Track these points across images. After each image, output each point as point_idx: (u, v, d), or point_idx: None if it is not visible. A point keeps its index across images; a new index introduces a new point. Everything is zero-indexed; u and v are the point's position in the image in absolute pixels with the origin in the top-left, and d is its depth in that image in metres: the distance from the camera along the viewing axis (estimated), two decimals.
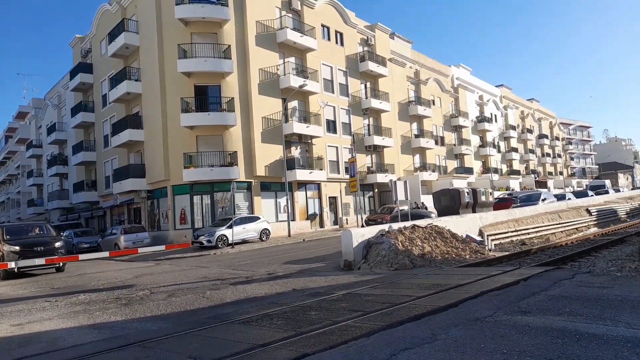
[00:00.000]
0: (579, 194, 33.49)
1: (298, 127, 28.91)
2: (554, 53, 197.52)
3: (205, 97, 26.39)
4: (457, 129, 49.82)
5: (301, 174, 28.53)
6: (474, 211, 19.84)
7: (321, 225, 31.20)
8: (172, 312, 7.74)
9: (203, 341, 5.40)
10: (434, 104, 45.61)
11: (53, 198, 40.75)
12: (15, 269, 13.95)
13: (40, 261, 10.43)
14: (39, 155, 46.76)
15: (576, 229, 20.72)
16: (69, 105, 38.41)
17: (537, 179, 61.21)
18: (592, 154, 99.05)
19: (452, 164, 48.29)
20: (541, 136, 71.95)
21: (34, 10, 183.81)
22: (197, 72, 25.87)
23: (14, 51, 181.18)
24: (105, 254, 10.75)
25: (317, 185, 31.40)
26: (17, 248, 15.44)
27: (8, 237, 16.11)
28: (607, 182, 50.02)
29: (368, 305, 6.59)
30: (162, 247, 11.24)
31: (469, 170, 48.99)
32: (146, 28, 28.04)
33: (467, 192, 20.89)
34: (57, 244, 16.43)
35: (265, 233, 23.75)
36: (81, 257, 9.72)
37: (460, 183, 40.76)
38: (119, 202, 30.99)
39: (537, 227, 18.58)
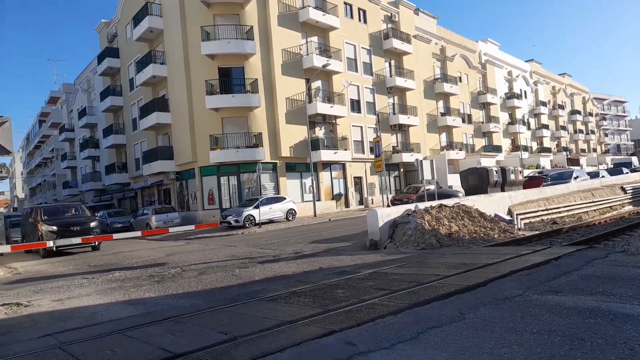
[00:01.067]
0: (613, 172, 32.31)
1: (322, 107, 28.76)
2: (587, 24, 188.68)
3: (229, 79, 26.51)
4: (485, 106, 48.59)
5: (326, 155, 28.52)
6: (502, 190, 19.46)
7: (346, 205, 31.26)
8: (202, 289, 7.97)
9: (233, 317, 5.55)
10: (460, 80, 44.50)
11: (86, 180, 42.11)
12: (54, 248, 14.62)
13: (77, 240, 10.87)
14: (71, 138, 48.17)
15: (610, 207, 20.10)
16: (98, 90, 39.25)
17: (569, 156, 59.32)
18: (627, 130, 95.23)
19: (480, 142, 47.29)
20: (573, 112, 69.46)
21: None
22: (221, 54, 25.93)
23: (44, 37, 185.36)
24: (138, 233, 11.10)
25: (342, 166, 31.35)
26: (55, 228, 16.11)
27: (46, 217, 16.81)
28: (635, 160, 46.63)
29: (394, 284, 6.62)
30: (191, 227, 11.52)
31: (498, 149, 47.90)
32: (169, 11, 28.17)
33: (496, 171, 20.46)
34: (92, 224, 17.09)
35: (291, 213, 23.99)
36: (115, 236, 10.07)
37: (488, 162, 39.94)
38: (149, 184, 31.78)
39: (569, 206, 18.10)
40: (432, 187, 22.62)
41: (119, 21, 35.61)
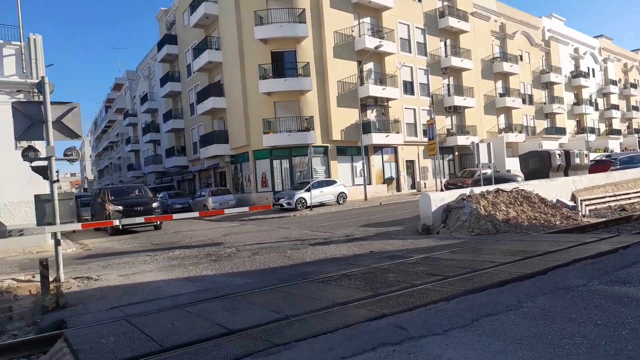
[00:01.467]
0: None
1: (374, 90, 28.34)
2: None
3: (282, 63, 26.70)
4: (548, 85, 45.82)
5: (377, 138, 28.19)
6: (566, 175, 18.41)
7: (398, 189, 30.87)
8: (256, 269, 8.21)
9: (285, 297, 5.68)
10: (521, 59, 42.15)
11: (148, 163, 44.33)
12: (120, 226, 15.55)
13: (140, 220, 11.51)
14: (134, 123, 50.72)
15: None
16: (158, 76, 40.88)
17: None
18: None
19: (542, 124, 44.81)
20: None
21: None
22: (273, 38, 26.10)
23: (108, 27, 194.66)
24: (196, 214, 11.57)
25: (394, 149, 30.88)
26: (121, 208, 17.17)
27: (113, 198, 17.94)
28: None
29: (448, 269, 6.49)
30: (246, 209, 11.85)
31: (561, 131, 45.18)
32: None
33: (559, 154, 19.34)
34: (154, 204, 18.04)
35: (342, 196, 24.04)
36: (175, 216, 10.55)
37: (550, 144, 37.84)
38: (205, 167, 32.94)
39: None
40: (488, 171, 21.82)
41: (177, 8, 36.71)
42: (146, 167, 45.61)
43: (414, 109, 32.14)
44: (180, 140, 39.15)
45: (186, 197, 31.37)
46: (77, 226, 8.66)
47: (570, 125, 48.59)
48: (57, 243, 7.89)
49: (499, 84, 40.08)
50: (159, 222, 18.24)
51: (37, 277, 7.28)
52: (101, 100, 71.14)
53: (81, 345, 4.21)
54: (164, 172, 43.02)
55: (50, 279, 6.99)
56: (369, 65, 29.50)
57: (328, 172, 27.25)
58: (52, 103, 7.88)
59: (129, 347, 4.11)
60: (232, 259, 9.49)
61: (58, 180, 8.88)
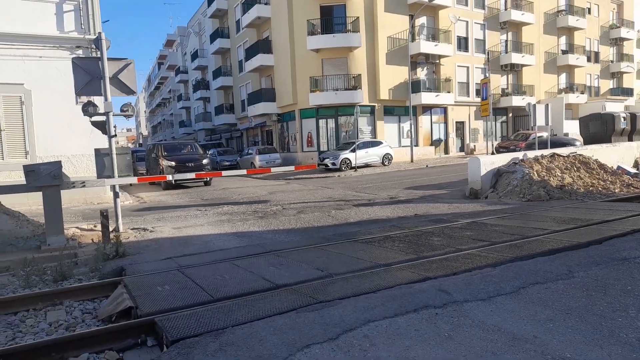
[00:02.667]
0: None
1: (425, 46, 27.20)
2: None
3: (331, 18, 26.01)
4: (618, 42, 42.12)
5: (426, 97, 27.31)
6: (630, 140, 17.22)
7: (446, 151, 30.09)
8: (301, 227, 8.39)
9: (329, 255, 5.79)
10: (589, 12, 38.78)
11: (199, 120, 45.47)
12: (173, 181, 16.26)
13: (192, 175, 11.94)
14: (185, 80, 51.77)
15: None
16: (208, 33, 41.11)
17: None
18: None
19: (607, 85, 41.64)
20: None
21: None
22: None
23: None
24: (243, 171, 11.89)
25: (444, 109, 29.88)
26: (173, 163, 17.86)
27: (166, 153, 18.65)
28: None
29: (495, 235, 6.35)
30: (291, 168, 12.01)
31: (628, 92, 41.86)
32: None
33: (624, 117, 18.05)
34: (205, 161, 18.63)
35: (387, 158, 23.77)
36: (224, 173, 10.87)
37: (615, 107, 35.22)
38: (253, 125, 33.39)
39: None
40: (544, 134, 20.75)
41: None
42: (196, 124, 46.84)
43: (467, 67, 30.68)
44: (229, 98, 39.70)
45: (234, 154, 32.12)
46: (134, 180, 9.12)
47: (639, 86, 44.85)
48: (116, 195, 8.37)
49: (562, 39, 37.27)
50: (208, 179, 18.87)
51: (99, 227, 7.81)
52: (154, 56, 72.96)
53: (139, 292, 4.52)
54: (214, 129, 44.04)
55: (110, 228, 7.49)
56: (421, 20, 28.20)
57: (374, 132, 26.89)
58: (108, 59, 8.14)
59: (181, 295, 4.38)
60: (278, 217, 9.73)
61: (115, 135, 9.30)
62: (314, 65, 26.28)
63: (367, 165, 23.07)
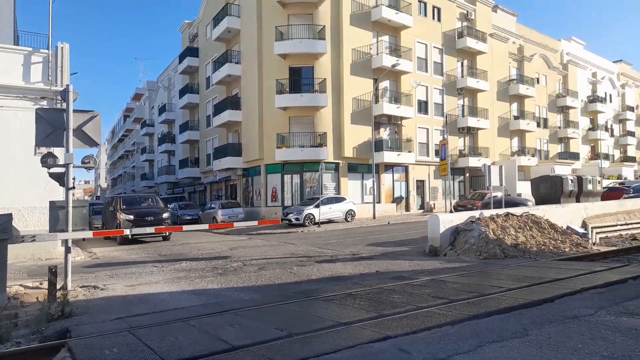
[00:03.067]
0: None
1: (388, 108, 28.46)
2: None
3: (299, 79, 27.02)
4: (564, 110, 45.52)
5: (389, 156, 28.20)
6: (577, 201, 18.21)
7: (407, 208, 30.71)
8: (261, 284, 8.22)
9: (290, 314, 5.68)
10: (538, 82, 42.03)
11: (162, 173, 44.84)
12: (130, 236, 15.71)
13: (150, 230, 11.61)
14: (151, 133, 51.50)
15: None
16: (178, 87, 41.61)
17: None
18: None
19: (555, 149, 44.40)
20: None
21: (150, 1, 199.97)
22: (292, 53, 26.47)
23: (132, 38, 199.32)
24: (205, 226, 11.65)
25: (405, 168, 30.83)
26: (132, 217, 17.32)
27: (124, 207, 18.11)
28: None
29: (454, 293, 6.43)
30: (254, 223, 11.91)
31: (575, 156, 44.69)
32: (247, 12, 29.22)
33: (571, 180, 19.16)
34: (165, 215, 18.17)
35: (350, 214, 24.00)
36: (184, 228, 10.66)
37: (563, 169, 37.44)
38: (217, 179, 33.21)
39: None
40: (499, 194, 21.63)
41: (201, 21, 37.55)
42: (159, 177, 46.13)
43: (427, 129, 32.14)
44: (194, 152, 39.61)
45: (196, 208, 31.57)
46: (89, 234, 8.78)
47: (584, 151, 48.08)
48: (68, 250, 8.00)
49: (514, 106, 39.95)
50: (168, 233, 18.35)
51: (45, 284, 7.38)
52: (120, 109, 72.64)
53: (84, 356, 4.25)
54: (176, 182, 43.44)
55: (58, 286, 7.08)
56: (384, 84, 29.69)
57: (338, 188, 27.27)
58: (74, 111, 8.08)
59: (130, 359, 4.14)
60: (238, 273, 9.51)
61: (74, 187, 9.04)
62: (281, 122, 26.88)
63: (330, 221, 23.16)
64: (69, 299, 6.41)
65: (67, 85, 8.14)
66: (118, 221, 17.24)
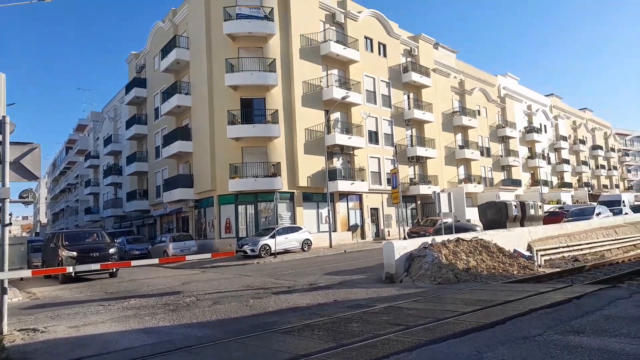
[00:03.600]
0: (637, 209, 31.47)
1: (340, 139, 29.04)
2: (609, 60, 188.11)
3: (251, 110, 27.10)
4: (504, 139, 48.32)
5: (343, 185, 28.58)
6: (522, 225, 19.14)
7: (362, 236, 31.02)
8: (216, 319, 7.95)
9: (246, 349, 5.51)
10: (479, 114, 44.52)
11: (108, 206, 42.89)
12: (73, 274, 14.81)
13: (96, 266, 10.98)
14: (96, 165, 49.44)
15: (634, 245, 19.48)
16: (124, 118, 40.48)
17: (590, 192, 58.14)
18: None
19: (499, 176, 46.79)
20: (595, 147, 68.43)
21: (93, 30, 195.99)
22: (244, 85, 26.63)
23: (75, 68, 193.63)
24: (155, 261, 11.17)
25: (359, 197, 31.31)
26: (75, 254, 16.35)
27: (67, 243, 17.10)
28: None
29: (410, 319, 6.51)
30: (208, 255, 11.59)
31: (517, 183, 47.27)
32: (196, 44, 29.22)
33: (515, 205, 20.19)
34: (111, 250, 17.30)
35: (307, 243, 23.90)
36: (133, 263, 10.15)
37: (507, 196, 39.37)
38: (168, 211, 32.18)
39: (591, 243, 17.63)
40: (449, 220, 22.37)
41: (148, 53, 37.04)
42: (105, 211, 44.07)
43: (379, 158, 32.99)
44: (143, 184, 38.32)
45: (146, 242, 30.32)
46: (27, 273, 8.21)
47: (525, 178, 50.92)
48: (4, 292, 7.41)
49: (459, 136, 41.94)
50: (115, 269, 17.44)
51: None
52: (62, 141, 69.53)
53: None
54: (124, 216, 41.65)
55: None
56: (335, 115, 30.36)
57: (294, 218, 27.18)
58: (11, 143, 7.66)
59: None
60: (192, 309, 9.16)
61: (11, 224, 8.46)
62: (233, 152, 26.68)
63: (287, 251, 22.92)
64: (5, 344, 5.91)
65: (4, 116, 7.73)
66: (60, 258, 16.21)
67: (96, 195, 49.58)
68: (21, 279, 16.61)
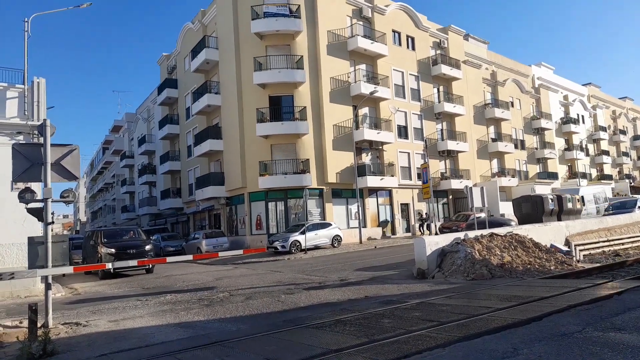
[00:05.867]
0: None
1: (369, 134, 28.86)
2: None
3: (279, 107, 27.28)
4: (539, 131, 46.83)
5: (372, 181, 28.41)
6: (559, 219, 18.55)
7: (393, 232, 30.77)
8: (249, 314, 8.08)
9: (278, 344, 5.58)
10: (512, 106, 43.30)
11: (143, 204, 44.16)
12: (112, 270, 15.33)
13: (133, 263, 11.33)
14: (131, 165, 50.95)
15: None
16: (157, 119, 41.51)
17: (632, 184, 55.63)
18: None
19: (534, 169, 45.43)
20: (636, 137, 65.42)
21: (128, 33, 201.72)
22: (272, 83, 26.82)
23: (110, 71, 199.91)
24: (189, 257, 11.43)
25: (389, 192, 31.05)
26: (113, 250, 16.95)
27: (105, 240, 17.73)
28: None
29: (443, 315, 6.43)
30: (240, 252, 11.75)
31: (553, 176, 45.76)
32: (225, 43, 29.63)
33: (552, 199, 19.57)
34: (147, 247, 17.83)
35: (336, 239, 23.93)
36: (168, 259, 10.44)
37: (543, 189, 38.19)
38: (200, 209, 32.86)
39: (633, 237, 16.90)
40: (482, 215, 21.90)
41: (179, 54, 37.83)
42: (140, 209, 45.39)
43: (408, 153, 32.60)
44: (176, 182, 39.25)
45: (180, 239, 31.06)
46: (69, 269, 8.55)
47: (562, 170, 49.24)
48: (48, 287, 7.77)
49: (491, 129, 40.93)
50: (151, 266, 17.98)
51: (25, 323, 7.12)
52: (99, 141, 71.89)
53: None
54: (159, 214, 42.79)
55: (39, 324, 6.85)
56: (364, 110, 30.19)
57: (323, 214, 27.24)
58: (52, 145, 8.00)
59: None
60: (225, 304, 9.33)
61: (53, 222, 8.85)
62: (263, 150, 26.96)
63: (317, 247, 23.02)
64: (51, 337, 6.19)
65: (44, 119, 8.07)
66: (99, 255, 16.84)
67: (132, 193, 51.10)
68: (63, 275, 17.32)
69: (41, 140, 8.02)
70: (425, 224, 29.22)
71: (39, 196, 7.97)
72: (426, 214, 30.38)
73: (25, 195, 7.94)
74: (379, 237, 29.11)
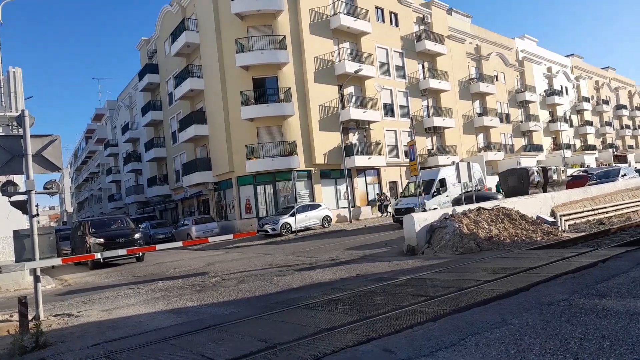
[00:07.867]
0: None
1: (355, 113, 28.75)
2: (631, 13, 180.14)
3: (264, 89, 26.97)
4: (524, 104, 47.12)
5: (360, 160, 28.44)
6: (544, 191, 18.78)
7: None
8: (242, 298, 8.12)
9: (272, 325, 5.63)
10: (497, 79, 43.39)
11: (130, 193, 43.75)
12: (101, 260, 15.24)
13: (123, 252, 11.29)
14: (115, 153, 50.23)
15: None
16: (139, 105, 40.80)
17: (615, 153, 56.54)
18: None
19: (520, 142, 45.85)
20: (619, 107, 66.21)
21: (104, 18, 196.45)
22: (255, 65, 26.42)
23: (88, 57, 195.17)
24: (179, 243, 11.40)
25: (377, 171, 31.15)
26: (102, 240, 16.83)
27: (93, 230, 17.59)
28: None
29: (433, 289, 6.52)
30: (230, 236, 11.74)
31: (538, 148, 46.28)
32: (205, 26, 29.01)
33: (537, 171, 19.74)
34: (137, 236, 17.74)
35: (326, 220, 24.04)
36: (158, 247, 10.38)
37: (528, 162, 38.64)
38: (188, 195, 32.67)
39: (617, 205, 17.24)
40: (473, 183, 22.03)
41: (158, 38, 36.97)
42: (127, 198, 44.99)
43: (395, 131, 32.62)
44: (162, 169, 38.86)
45: (169, 226, 30.94)
46: (57, 261, 8.47)
47: (546, 142, 49.79)
48: (37, 280, 7.70)
49: (477, 104, 41.06)
50: (141, 254, 17.90)
51: (15, 317, 7.07)
52: (81, 131, 70.70)
53: None
54: (146, 202, 42.45)
55: (29, 317, 6.80)
56: (349, 89, 29.99)
57: (312, 195, 27.28)
58: (32, 136, 7.81)
59: None
60: (217, 289, 9.36)
61: (38, 215, 8.71)
62: (249, 133, 26.72)
63: (307, 229, 23.12)
64: (43, 329, 6.16)
65: (23, 110, 7.86)
66: (88, 245, 16.71)
67: (118, 182, 50.54)
68: (53, 267, 17.20)
69: (20, 131, 7.83)
70: (384, 204, 29.03)
71: (22, 189, 7.82)
72: (384, 194, 30.28)
73: (7, 188, 7.81)
74: (368, 216, 29.30)
